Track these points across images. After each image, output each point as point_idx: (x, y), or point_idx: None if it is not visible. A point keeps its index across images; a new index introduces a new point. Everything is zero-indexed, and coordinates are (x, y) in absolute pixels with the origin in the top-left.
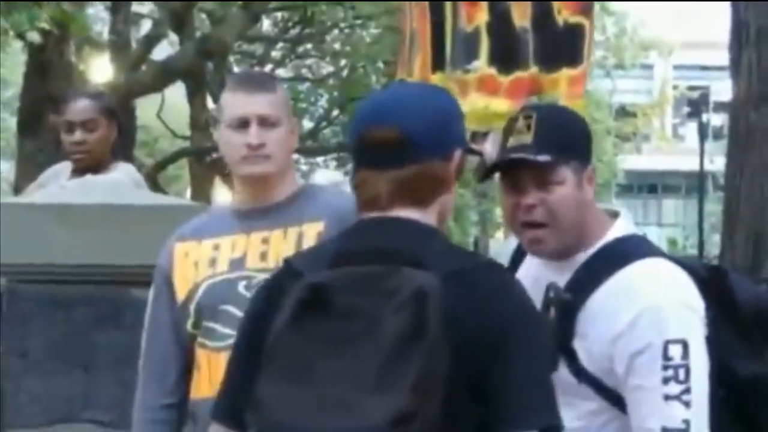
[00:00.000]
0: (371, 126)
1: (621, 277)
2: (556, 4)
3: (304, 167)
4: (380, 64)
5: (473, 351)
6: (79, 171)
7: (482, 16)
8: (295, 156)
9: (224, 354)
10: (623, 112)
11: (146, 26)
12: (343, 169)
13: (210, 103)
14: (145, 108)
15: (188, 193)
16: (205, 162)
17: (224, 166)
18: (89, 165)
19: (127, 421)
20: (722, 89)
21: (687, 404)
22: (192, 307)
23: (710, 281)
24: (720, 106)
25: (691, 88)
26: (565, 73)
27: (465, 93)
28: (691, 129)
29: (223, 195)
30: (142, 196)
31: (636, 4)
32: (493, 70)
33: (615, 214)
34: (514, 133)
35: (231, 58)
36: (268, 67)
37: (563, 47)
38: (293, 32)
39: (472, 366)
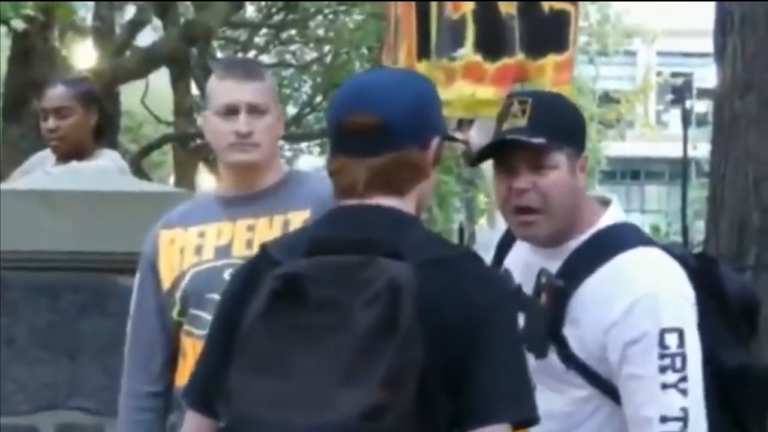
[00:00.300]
0: (349, 112)
1: (615, 265)
2: None
3: (288, 153)
4: (364, 50)
5: (447, 341)
6: (60, 158)
7: (468, 3)
8: (280, 142)
9: None
10: (607, 99)
11: (130, 12)
12: (327, 155)
13: (194, 89)
14: (129, 94)
15: (172, 179)
16: (189, 148)
17: (208, 152)
18: (67, 152)
19: (113, 409)
20: (705, 76)
21: (684, 392)
22: (178, 295)
23: (699, 271)
24: (703, 93)
25: (675, 75)
26: (552, 59)
27: (451, 80)
28: (674, 115)
29: (206, 181)
30: (127, 182)
31: None
32: (478, 58)
33: (606, 202)
34: (508, 117)
35: (215, 44)
36: (251, 53)
37: (549, 34)
38: (277, 18)
39: (446, 356)
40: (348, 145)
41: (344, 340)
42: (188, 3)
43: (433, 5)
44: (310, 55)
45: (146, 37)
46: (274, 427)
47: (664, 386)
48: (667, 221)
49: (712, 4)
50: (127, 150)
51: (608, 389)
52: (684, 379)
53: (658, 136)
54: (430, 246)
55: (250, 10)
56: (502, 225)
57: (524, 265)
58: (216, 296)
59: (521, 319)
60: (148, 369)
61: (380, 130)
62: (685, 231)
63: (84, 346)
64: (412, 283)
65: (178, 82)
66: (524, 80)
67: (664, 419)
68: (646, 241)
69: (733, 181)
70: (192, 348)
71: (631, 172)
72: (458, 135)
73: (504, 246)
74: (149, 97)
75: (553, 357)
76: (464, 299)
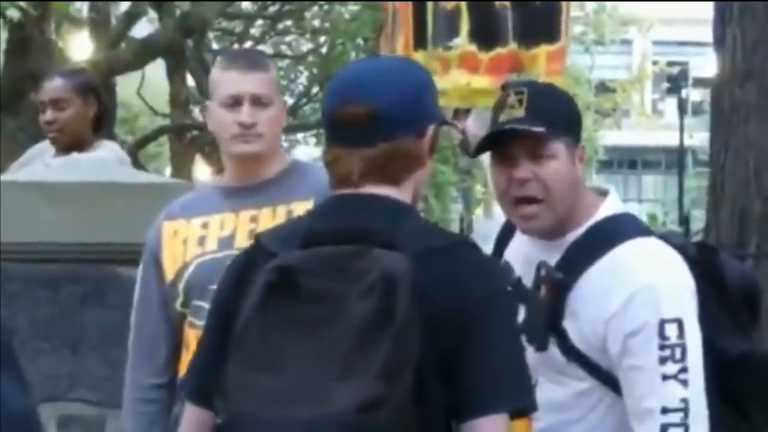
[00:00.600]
0: (342, 103)
1: (613, 257)
2: None
3: (284, 144)
4: (360, 41)
5: (443, 331)
6: (60, 149)
7: None
8: None
9: None
10: (603, 88)
11: (126, 3)
12: (323, 146)
13: (190, 81)
14: (125, 85)
15: (168, 170)
16: (185, 139)
17: (204, 144)
18: (66, 143)
19: (115, 400)
20: (701, 65)
21: (684, 383)
22: (181, 286)
23: (699, 260)
24: (699, 82)
25: (671, 64)
26: (544, 49)
27: (447, 70)
28: (670, 104)
29: (203, 172)
30: (127, 174)
31: None
32: (473, 47)
33: (603, 193)
34: (506, 108)
35: (210, 35)
36: (247, 44)
37: (541, 24)
38: (272, 9)
39: (441, 346)
40: (342, 136)
41: (339, 332)
42: None
43: None
44: (306, 46)
45: (142, 29)
46: (271, 422)
47: (665, 377)
48: (664, 210)
49: None
50: (123, 141)
51: (609, 381)
52: (684, 369)
53: (654, 125)
54: (426, 235)
55: (245, 2)
56: (498, 215)
57: (524, 257)
58: None
59: (521, 312)
60: (152, 361)
61: (373, 120)
62: (686, 220)
63: (85, 337)
64: (407, 274)
65: (174, 73)
66: (518, 70)
67: (665, 410)
68: (644, 231)
69: (733, 170)
70: (195, 339)
71: (628, 161)
72: (456, 124)
73: (503, 238)
74: (145, 88)
75: (553, 349)
76: (461, 289)
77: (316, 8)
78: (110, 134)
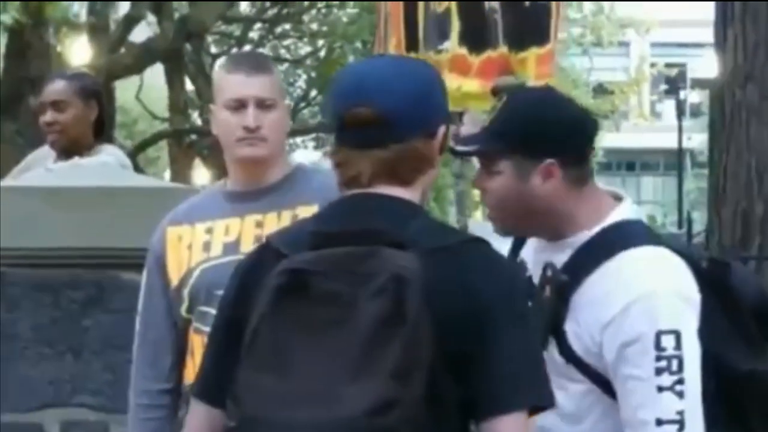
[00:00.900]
0: (350, 105)
1: (614, 264)
2: None
3: None
4: (358, 44)
5: (454, 330)
6: (59, 153)
7: None
8: None
9: None
10: (601, 90)
11: (125, 7)
12: (322, 149)
13: (188, 85)
14: (124, 90)
15: (167, 174)
16: (184, 144)
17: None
18: (65, 146)
19: (118, 405)
20: (699, 66)
21: (680, 395)
22: (186, 292)
23: (710, 273)
24: (697, 83)
25: (669, 66)
26: (533, 52)
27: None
28: (668, 106)
29: (201, 176)
30: (129, 178)
31: None
32: (464, 50)
33: (619, 198)
34: (490, 113)
35: (209, 39)
36: (246, 48)
37: (530, 27)
38: (271, 13)
39: (453, 345)
40: (351, 138)
41: (350, 334)
42: None
43: None
44: (305, 49)
45: (141, 33)
46: (283, 426)
47: (660, 389)
48: (664, 212)
49: None
50: (122, 146)
51: (606, 385)
52: (681, 381)
53: (652, 127)
54: (435, 234)
55: (244, 5)
56: None
57: (534, 257)
58: None
59: None
60: (157, 366)
61: (384, 122)
62: (689, 223)
63: (88, 342)
64: (417, 274)
65: (173, 77)
66: (509, 73)
67: (659, 422)
68: (652, 239)
69: (735, 171)
70: (201, 345)
71: (627, 163)
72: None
73: (521, 238)
74: (144, 93)
75: (553, 351)
76: (472, 287)
77: (314, 12)
78: (110, 139)
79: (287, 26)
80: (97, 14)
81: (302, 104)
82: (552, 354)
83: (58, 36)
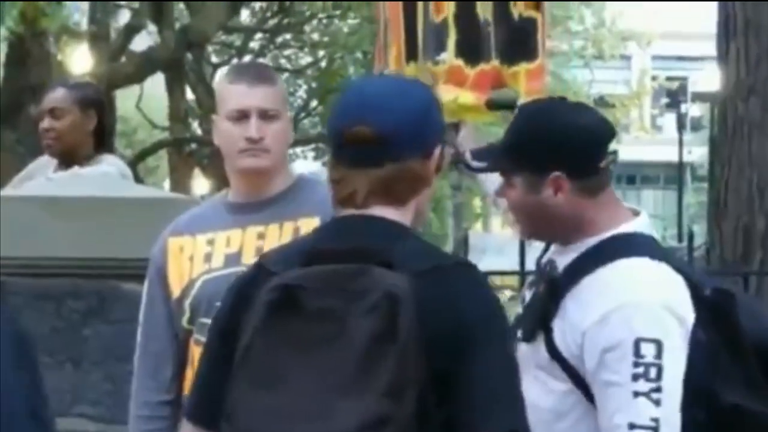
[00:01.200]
0: (350, 123)
1: (608, 270)
2: None
3: None
4: (358, 55)
5: (438, 350)
6: (59, 163)
7: (449, 7)
8: None
9: None
10: (602, 103)
11: (125, 16)
12: (322, 160)
13: (189, 94)
14: (124, 99)
15: (167, 184)
16: (184, 153)
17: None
18: (61, 152)
19: (117, 416)
20: (700, 79)
21: (657, 403)
22: (187, 303)
23: (714, 303)
24: (698, 97)
25: (670, 79)
26: (524, 67)
27: (435, 84)
28: (669, 119)
29: (201, 186)
30: (130, 188)
31: None
32: (460, 62)
33: (637, 213)
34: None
35: (210, 49)
36: (247, 58)
37: (520, 42)
38: (272, 23)
39: (437, 365)
40: (349, 156)
41: (342, 350)
42: (182, 7)
43: (419, 6)
44: (305, 59)
45: (141, 42)
46: None
47: (636, 394)
48: (664, 225)
49: (707, 7)
50: (122, 155)
51: (585, 388)
52: (658, 389)
53: (653, 140)
54: (423, 256)
55: (244, 15)
56: (496, 229)
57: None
58: None
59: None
60: (158, 377)
61: (379, 142)
62: (690, 236)
63: (87, 352)
64: (409, 294)
65: (174, 86)
66: (502, 86)
67: (632, 426)
68: (657, 253)
69: (736, 186)
70: None
71: (627, 176)
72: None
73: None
74: (144, 102)
75: (541, 345)
76: (456, 309)
77: (315, 22)
78: (111, 149)
79: (288, 36)
80: (97, 23)
81: (303, 114)
82: (538, 348)
83: (59, 44)
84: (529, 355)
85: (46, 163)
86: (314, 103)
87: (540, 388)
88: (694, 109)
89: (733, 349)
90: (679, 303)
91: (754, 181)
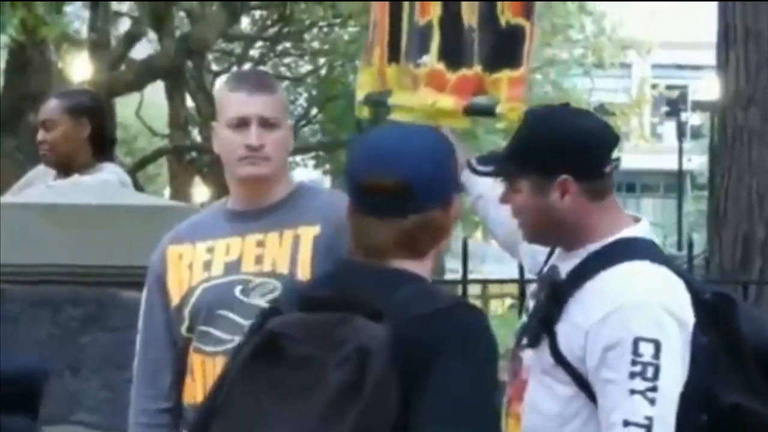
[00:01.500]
0: (371, 174)
1: (610, 274)
2: (499, 4)
3: None
4: (358, 63)
5: (417, 373)
6: (58, 172)
7: (435, 10)
8: None
9: (220, 359)
10: (602, 111)
11: (125, 24)
12: (322, 168)
13: (189, 102)
14: (124, 106)
15: (167, 191)
16: (184, 160)
17: (203, 165)
18: (55, 163)
19: (115, 423)
20: (700, 88)
21: (652, 401)
22: (186, 311)
23: (714, 306)
24: (698, 105)
25: (670, 87)
26: (506, 74)
27: (416, 87)
28: (669, 128)
29: (201, 194)
30: (129, 196)
31: (613, 3)
32: (441, 66)
33: (638, 220)
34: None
35: (210, 57)
36: (246, 66)
37: (505, 48)
38: (272, 31)
39: (413, 384)
40: (370, 205)
41: (315, 399)
42: (183, 15)
43: (405, 7)
44: (305, 67)
45: (141, 50)
46: None
47: (632, 392)
48: (663, 233)
49: (707, 16)
50: (122, 163)
51: (589, 391)
52: (654, 389)
53: (653, 148)
54: (422, 301)
55: (245, 23)
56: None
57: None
58: (226, 313)
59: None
60: (157, 385)
61: (402, 193)
62: (690, 244)
63: (85, 360)
64: (382, 346)
65: (174, 94)
66: (482, 93)
67: (626, 423)
68: (657, 257)
69: (736, 194)
70: (200, 365)
71: (627, 184)
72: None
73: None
74: (144, 109)
75: (545, 349)
76: (437, 338)
77: (315, 30)
78: (111, 157)
79: (288, 44)
80: (98, 31)
81: (303, 122)
82: (544, 352)
83: (59, 52)
84: (535, 360)
85: (45, 170)
86: (314, 111)
87: (545, 393)
88: (694, 118)
89: (733, 353)
90: (680, 305)
91: (754, 189)
